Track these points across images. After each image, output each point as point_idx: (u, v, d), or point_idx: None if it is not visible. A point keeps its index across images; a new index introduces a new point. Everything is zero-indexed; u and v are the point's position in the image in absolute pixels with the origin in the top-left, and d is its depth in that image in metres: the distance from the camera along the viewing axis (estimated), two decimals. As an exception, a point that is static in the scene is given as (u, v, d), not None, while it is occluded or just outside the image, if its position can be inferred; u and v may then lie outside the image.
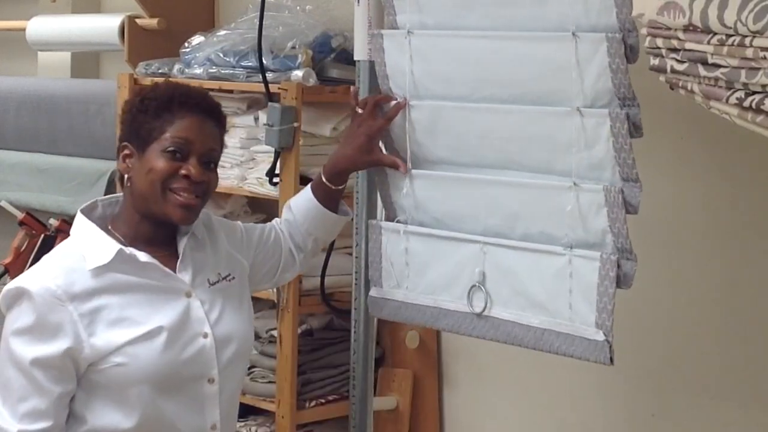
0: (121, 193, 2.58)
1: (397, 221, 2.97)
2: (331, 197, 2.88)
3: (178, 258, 2.55)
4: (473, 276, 2.83)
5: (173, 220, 2.52)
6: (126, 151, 2.53)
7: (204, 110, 2.54)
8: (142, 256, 2.49)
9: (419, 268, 2.94)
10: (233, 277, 2.63)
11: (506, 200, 2.77)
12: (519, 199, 2.74)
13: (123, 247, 2.48)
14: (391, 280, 2.99)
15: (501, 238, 2.78)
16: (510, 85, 2.73)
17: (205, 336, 2.51)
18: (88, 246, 2.49)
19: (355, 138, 2.89)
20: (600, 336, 2.61)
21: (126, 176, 2.53)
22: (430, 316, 2.93)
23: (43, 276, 2.45)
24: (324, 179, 2.88)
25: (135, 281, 2.48)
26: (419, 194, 2.92)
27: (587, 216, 2.63)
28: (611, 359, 2.61)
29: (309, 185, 2.93)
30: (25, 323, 2.42)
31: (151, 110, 2.51)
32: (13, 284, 2.47)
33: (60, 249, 2.55)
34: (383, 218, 3.01)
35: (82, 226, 2.54)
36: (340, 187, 2.89)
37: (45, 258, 2.53)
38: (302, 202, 2.90)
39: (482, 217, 2.82)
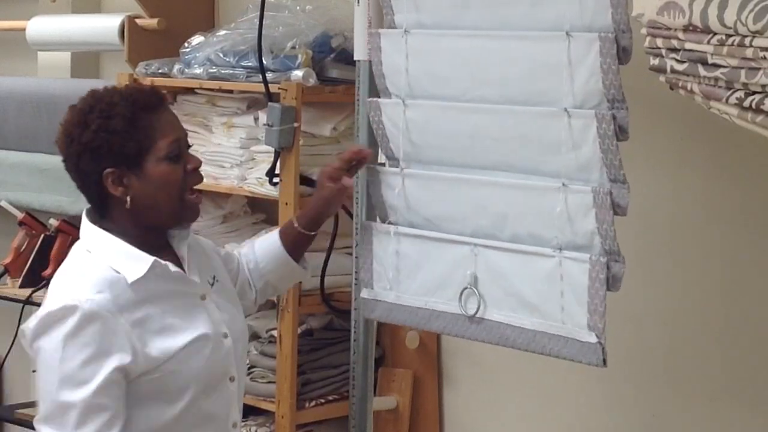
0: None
1: (389, 223, 2.97)
2: (298, 244, 2.86)
3: (178, 261, 2.55)
4: (465, 278, 2.83)
5: (185, 221, 2.54)
6: (114, 177, 2.45)
7: (162, 103, 2.52)
8: (171, 266, 2.49)
9: (410, 269, 2.93)
10: (218, 279, 2.65)
11: (496, 201, 2.76)
12: (508, 200, 2.74)
13: (157, 259, 2.46)
14: (382, 281, 2.99)
15: (491, 240, 2.78)
16: (502, 85, 2.73)
17: (226, 336, 2.55)
18: (116, 258, 2.45)
19: (320, 187, 2.86)
20: (593, 338, 2.61)
21: (127, 198, 2.46)
22: (422, 318, 2.93)
23: (85, 291, 2.39)
24: (296, 223, 2.85)
25: (167, 289, 2.48)
26: (411, 194, 2.92)
27: (575, 217, 2.62)
28: (604, 361, 2.61)
29: (278, 229, 2.91)
30: (81, 342, 2.36)
31: (120, 127, 2.44)
32: (55, 304, 2.38)
33: (83, 262, 2.47)
34: (365, 218, 3.01)
35: (97, 235, 2.49)
36: (311, 234, 2.86)
37: (72, 274, 2.46)
38: (267, 242, 2.88)
39: (472, 218, 2.81)
